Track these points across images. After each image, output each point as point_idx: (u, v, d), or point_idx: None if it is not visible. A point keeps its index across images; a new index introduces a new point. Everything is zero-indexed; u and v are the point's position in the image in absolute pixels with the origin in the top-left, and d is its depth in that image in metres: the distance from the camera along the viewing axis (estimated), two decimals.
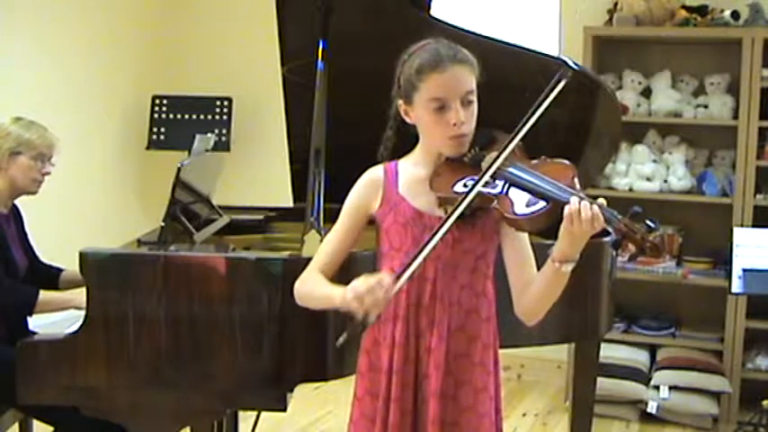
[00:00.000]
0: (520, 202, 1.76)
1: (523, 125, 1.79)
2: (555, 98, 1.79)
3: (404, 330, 1.85)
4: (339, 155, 2.52)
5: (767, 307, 4.11)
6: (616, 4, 4.49)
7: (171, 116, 5.11)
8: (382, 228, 1.89)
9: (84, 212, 4.83)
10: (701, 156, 4.50)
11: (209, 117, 5.09)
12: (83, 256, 2.30)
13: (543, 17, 4.82)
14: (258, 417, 3.14)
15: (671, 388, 4.15)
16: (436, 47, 1.83)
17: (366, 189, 1.91)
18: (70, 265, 2.89)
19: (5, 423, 2.77)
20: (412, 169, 1.90)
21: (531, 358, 4.68)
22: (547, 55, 2.95)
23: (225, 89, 5.18)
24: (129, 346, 2.28)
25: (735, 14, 4.22)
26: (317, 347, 2.31)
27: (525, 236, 1.88)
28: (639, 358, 4.38)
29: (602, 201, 1.71)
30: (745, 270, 3.77)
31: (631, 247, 1.68)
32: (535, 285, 1.83)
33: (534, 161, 1.85)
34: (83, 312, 2.33)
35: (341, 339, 1.75)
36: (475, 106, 1.83)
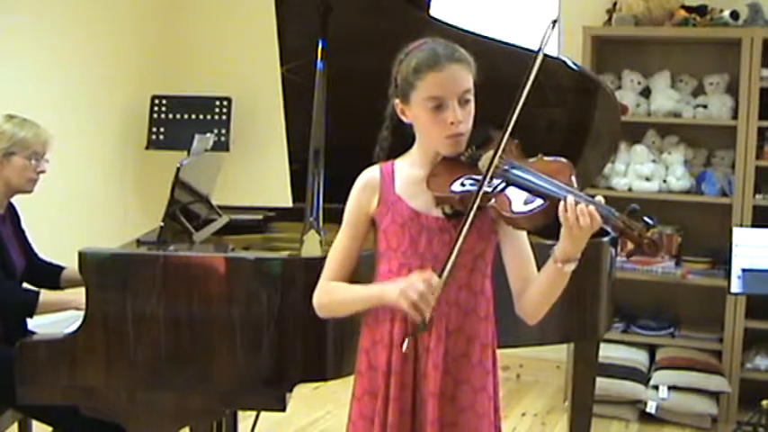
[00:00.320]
0: (517, 200, 1.76)
1: (519, 98, 1.77)
2: (543, 62, 1.79)
3: (402, 330, 1.84)
4: (338, 155, 2.51)
5: (766, 307, 4.11)
6: (615, 4, 4.49)
7: (170, 116, 5.12)
8: (380, 228, 1.89)
9: (83, 212, 4.83)
10: (700, 156, 4.50)
11: (209, 117, 5.10)
12: (82, 256, 2.29)
13: (542, 17, 4.82)
14: (257, 417, 3.14)
15: (670, 388, 4.15)
16: (434, 46, 1.83)
17: (363, 193, 1.90)
18: (69, 265, 2.89)
19: (4, 423, 2.77)
20: (408, 169, 1.89)
21: (530, 358, 4.68)
22: (546, 55, 2.94)
23: (224, 89, 5.18)
24: (129, 346, 2.27)
25: (734, 14, 4.22)
26: (317, 347, 2.31)
27: (525, 235, 1.88)
28: (639, 358, 4.38)
29: (600, 198, 1.71)
30: (744, 270, 3.76)
31: (629, 244, 1.69)
32: (536, 285, 1.83)
33: (531, 159, 1.85)
34: (82, 312, 2.33)
35: (404, 345, 1.80)
36: (472, 105, 1.83)
